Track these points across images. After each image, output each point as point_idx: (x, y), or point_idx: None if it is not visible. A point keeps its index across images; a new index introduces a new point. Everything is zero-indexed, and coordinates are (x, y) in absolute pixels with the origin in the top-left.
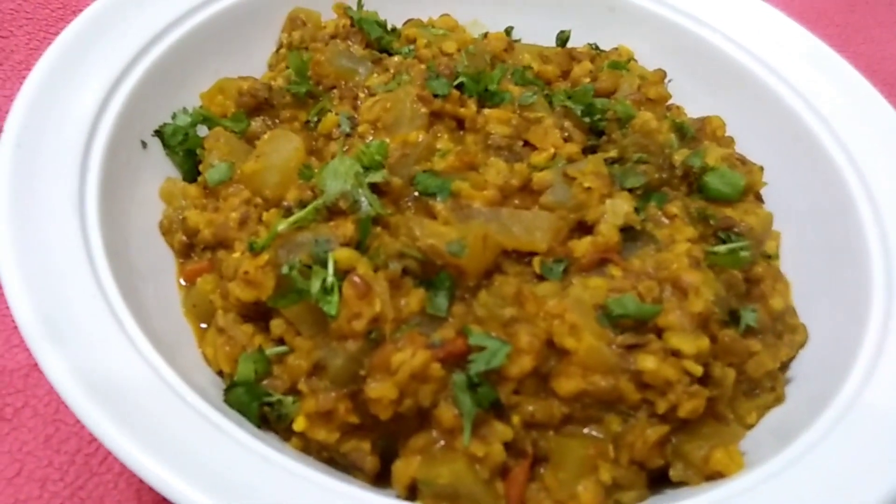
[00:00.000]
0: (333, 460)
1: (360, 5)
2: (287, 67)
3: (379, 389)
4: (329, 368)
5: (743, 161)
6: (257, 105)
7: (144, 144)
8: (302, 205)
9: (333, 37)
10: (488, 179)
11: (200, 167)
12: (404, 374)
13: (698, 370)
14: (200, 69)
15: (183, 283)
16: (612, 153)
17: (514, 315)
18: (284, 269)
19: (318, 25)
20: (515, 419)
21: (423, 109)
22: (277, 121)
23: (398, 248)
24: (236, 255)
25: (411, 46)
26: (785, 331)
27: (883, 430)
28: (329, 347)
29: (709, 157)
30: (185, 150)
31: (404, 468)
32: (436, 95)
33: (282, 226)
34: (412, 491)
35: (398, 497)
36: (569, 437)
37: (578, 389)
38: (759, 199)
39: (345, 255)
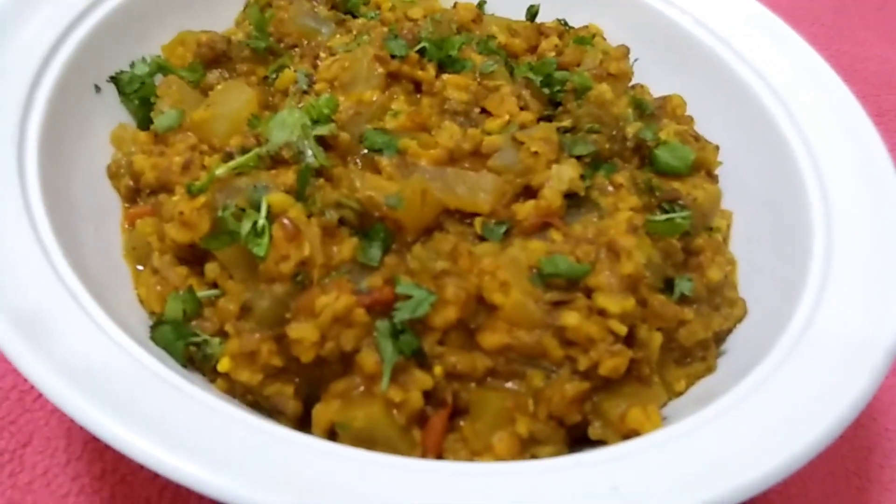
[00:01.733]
0: (257, 404)
1: None
2: (250, 24)
3: (300, 330)
4: (255, 310)
5: (697, 138)
6: (214, 57)
7: (98, 89)
8: (244, 151)
9: None
10: (439, 141)
11: (151, 113)
12: (326, 317)
13: (622, 329)
14: (164, 24)
15: (127, 226)
16: (566, 122)
17: (445, 269)
18: (219, 212)
19: None
20: (437, 369)
21: (380, 69)
22: (234, 74)
23: (336, 198)
24: (175, 198)
25: (377, 11)
26: (723, 303)
27: (797, 401)
28: (256, 290)
29: (662, 132)
30: (139, 97)
31: (323, 412)
32: (393, 56)
33: (220, 170)
34: (331, 435)
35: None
36: (489, 389)
37: (502, 343)
38: (711, 176)
39: (278, 199)
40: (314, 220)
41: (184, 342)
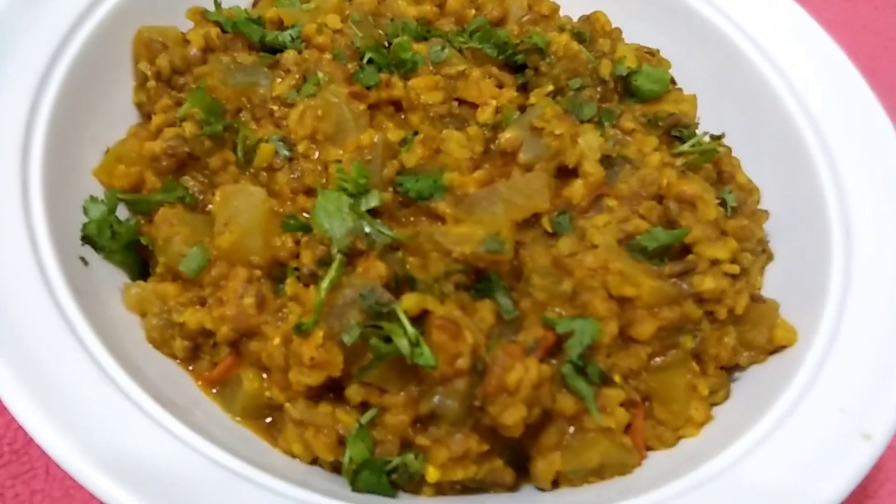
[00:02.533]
0: (466, 487)
1: (217, 5)
2: (177, 104)
3: (512, 414)
4: (446, 414)
5: (651, 53)
6: (180, 164)
7: (85, 262)
8: (320, 263)
9: (206, 51)
10: (455, 155)
11: (161, 258)
12: (526, 389)
13: (736, 269)
14: (72, 141)
15: (212, 390)
16: (549, 87)
17: (575, 287)
18: (346, 339)
19: (178, 42)
20: (617, 378)
21: (361, 106)
22: (207, 172)
23: (441, 269)
24: (275, 342)
25: (292, 33)
26: (748, 197)
27: None
28: (436, 395)
29: (627, 61)
30: (122, 246)
31: (548, 467)
32: (368, 87)
33: (321, 296)
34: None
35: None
36: (665, 372)
37: (655, 328)
38: (673, 83)
39: (412, 301)
40: (451, 305)
41: (385, 476)
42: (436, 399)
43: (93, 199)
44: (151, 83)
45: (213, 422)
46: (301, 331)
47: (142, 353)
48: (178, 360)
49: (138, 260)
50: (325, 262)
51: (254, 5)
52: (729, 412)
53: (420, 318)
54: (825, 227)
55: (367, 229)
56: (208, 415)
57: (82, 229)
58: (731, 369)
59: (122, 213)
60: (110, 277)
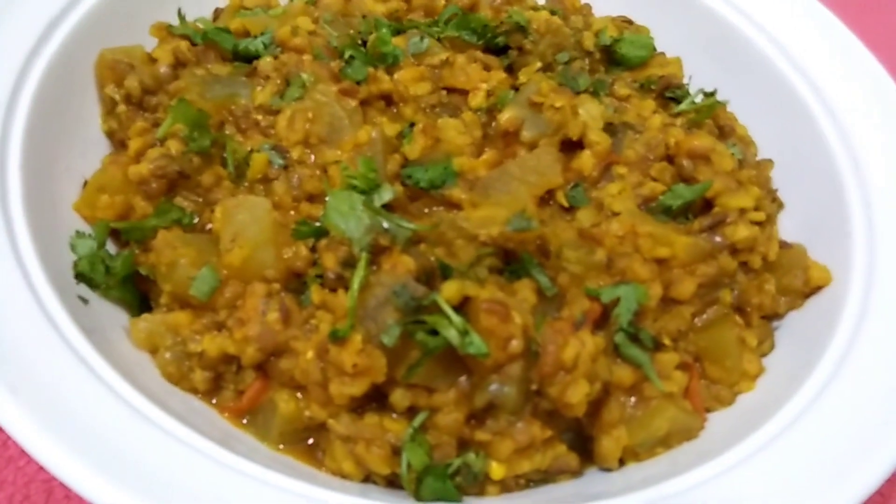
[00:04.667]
0: (530, 481)
1: (181, 18)
2: (153, 126)
3: (575, 392)
4: (504, 403)
5: (629, 21)
6: (170, 185)
7: (85, 301)
8: (345, 265)
9: (176, 66)
10: (456, 142)
11: (167, 286)
12: (585, 364)
13: (762, 216)
14: (49, 175)
15: (243, 421)
16: (537, 63)
17: (610, 256)
18: (387, 340)
19: (145, 60)
20: (667, 341)
21: (353, 103)
22: (200, 190)
23: (473, 255)
24: (308, 355)
25: (264, 40)
26: (748, 149)
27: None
28: (492, 384)
29: (608, 31)
30: (118, 281)
31: (614, 444)
32: (358, 82)
33: (353, 298)
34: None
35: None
36: (712, 329)
37: (695, 286)
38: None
39: (452, 288)
40: (491, 287)
41: (450, 480)
42: (492, 388)
43: (79, 234)
44: (122, 107)
45: (251, 454)
46: (338, 338)
47: (162, 391)
48: (200, 395)
49: (136, 294)
50: (349, 263)
51: (214, 19)
52: (779, 362)
53: (459, 307)
54: (831, 166)
55: (386, 225)
56: (247, 446)
57: (73, 267)
58: (770, 318)
59: (109, 245)
60: (114, 315)
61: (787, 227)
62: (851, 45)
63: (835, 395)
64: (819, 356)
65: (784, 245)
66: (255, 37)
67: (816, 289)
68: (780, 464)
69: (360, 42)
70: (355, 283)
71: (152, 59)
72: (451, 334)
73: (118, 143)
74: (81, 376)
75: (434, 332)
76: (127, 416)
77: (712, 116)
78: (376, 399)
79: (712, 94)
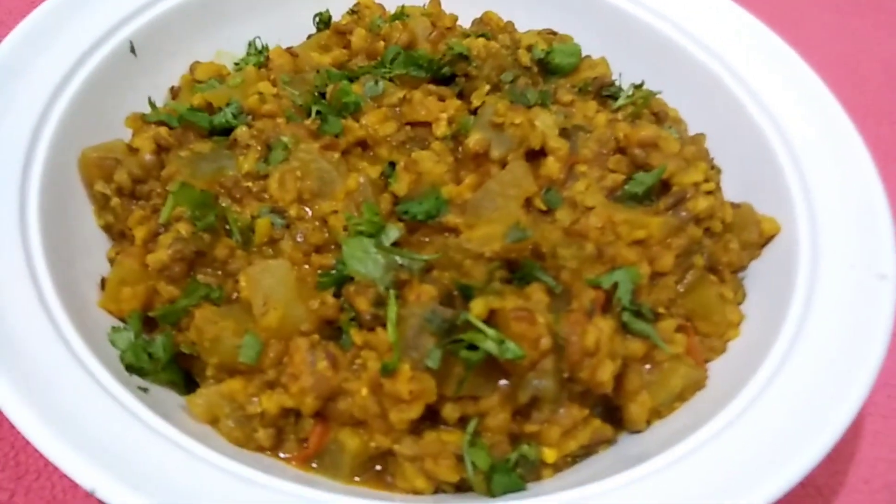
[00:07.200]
0: (575, 458)
1: (153, 105)
2: (153, 212)
3: (605, 371)
4: (546, 395)
5: (553, 33)
6: (190, 265)
7: (145, 390)
8: (375, 304)
9: (159, 152)
10: (435, 172)
11: (213, 359)
12: (607, 344)
13: (712, 185)
14: (69, 284)
15: (312, 465)
16: (486, 87)
17: (599, 248)
18: (431, 363)
19: (127, 152)
20: (662, 310)
21: (336, 155)
22: (217, 263)
23: (485, 271)
24: (363, 393)
25: (232, 111)
26: (680, 127)
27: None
28: (532, 381)
29: (539, 45)
30: (164, 364)
31: (640, 408)
32: (336, 136)
33: (393, 336)
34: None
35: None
36: (694, 292)
37: (674, 258)
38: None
39: (480, 305)
40: (510, 296)
41: (514, 473)
42: (534, 384)
43: (115, 329)
44: (115, 200)
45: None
46: (389, 371)
47: (235, 455)
48: (268, 451)
49: (181, 373)
50: (379, 302)
51: (173, 98)
52: (754, 307)
53: (487, 320)
54: (754, 127)
55: (400, 260)
56: (323, 486)
57: (120, 360)
58: (737, 271)
59: None
60: (168, 396)
61: (730, 189)
62: (747, 21)
63: (812, 328)
64: (789, 296)
65: (734, 206)
66: (221, 109)
67: (769, 238)
68: (786, 394)
69: (318, 94)
70: (392, 319)
71: (132, 150)
72: (490, 345)
73: (117, 234)
74: (181, 460)
75: (472, 347)
76: (231, 481)
77: (647, 105)
78: (428, 417)
79: (640, 85)
